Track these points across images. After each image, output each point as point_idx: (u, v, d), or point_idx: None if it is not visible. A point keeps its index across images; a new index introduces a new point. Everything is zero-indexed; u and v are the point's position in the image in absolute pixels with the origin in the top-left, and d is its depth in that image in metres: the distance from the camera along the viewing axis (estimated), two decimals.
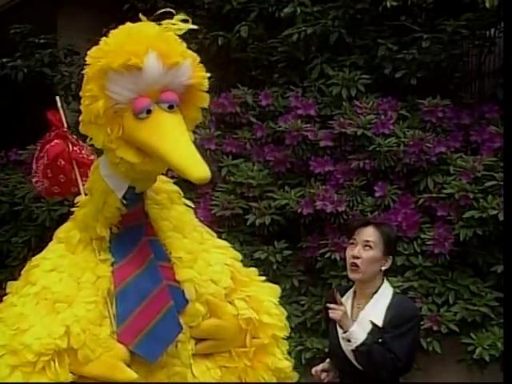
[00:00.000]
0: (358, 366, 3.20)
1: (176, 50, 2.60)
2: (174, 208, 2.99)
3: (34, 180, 3.44)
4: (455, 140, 5.76)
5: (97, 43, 2.63)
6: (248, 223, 5.63)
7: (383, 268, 3.30)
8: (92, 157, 3.35)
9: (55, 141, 3.38)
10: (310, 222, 5.60)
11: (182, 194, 3.06)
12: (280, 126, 5.84)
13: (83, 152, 3.38)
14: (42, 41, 7.12)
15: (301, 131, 5.73)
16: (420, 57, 5.88)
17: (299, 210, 5.52)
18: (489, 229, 5.26)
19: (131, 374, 2.67)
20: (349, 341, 3.16)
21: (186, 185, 5.89)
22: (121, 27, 2.63)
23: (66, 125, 3.40)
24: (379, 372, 3.16)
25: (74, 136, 3.40)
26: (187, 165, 2.48)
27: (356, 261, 3.27)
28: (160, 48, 2.55)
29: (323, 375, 3.43)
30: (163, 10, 2.66)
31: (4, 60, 7.01)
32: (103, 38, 2.60)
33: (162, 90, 2.59)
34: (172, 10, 2.67)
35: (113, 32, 2.62)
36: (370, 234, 3.30)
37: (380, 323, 3.20)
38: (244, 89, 6.12)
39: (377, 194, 5.59)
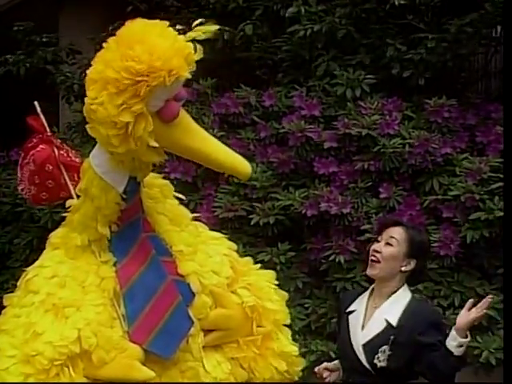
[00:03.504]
0: (367, 366, 3.19)
1: (193, 52, 2.63)
2: (168, 202, 3.02)
3: (20, 188, 3.39)
4: (461, 141, 5.72)
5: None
6: (252, 223, 5.58)
7: (403, 269, 3.29)
8: (78, 159, 3.30)
9: (40, 146, 3.32)
10: (314, 223, 5.55)
11: (173, 188, 3.06)
12: (284, 127, 5.79)
13: (70, 155, 3.34)
14: (44, 39, 7.08)
15: (305, 132, 5.68)
16: (427, 57, 5.83)
17: (303, 212, 5.47)
18: (495, 230, 5.23)
19: (149, 373, 2.68)
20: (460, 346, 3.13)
21: (189, 187, 5.85)
22: (151, 32, 2.57)
23: (48, 129, 3.35)
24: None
25: (59, 140, 3.36)
26: (234, 163, 2.67)
27: (376, 254, 3.28)
28: (189, 55, 2.60)
29: (325, 373, 3.43)
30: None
31: (7, 56, 6.95)
32: (144, 49, 2.51)
33: None
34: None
35: (147, 40, 2.54)
36: (395, 231, 3.31)
37: (395, 323, 3.20)
38: (247, 89, 6.07)
39: (382, 196, 5.55)
